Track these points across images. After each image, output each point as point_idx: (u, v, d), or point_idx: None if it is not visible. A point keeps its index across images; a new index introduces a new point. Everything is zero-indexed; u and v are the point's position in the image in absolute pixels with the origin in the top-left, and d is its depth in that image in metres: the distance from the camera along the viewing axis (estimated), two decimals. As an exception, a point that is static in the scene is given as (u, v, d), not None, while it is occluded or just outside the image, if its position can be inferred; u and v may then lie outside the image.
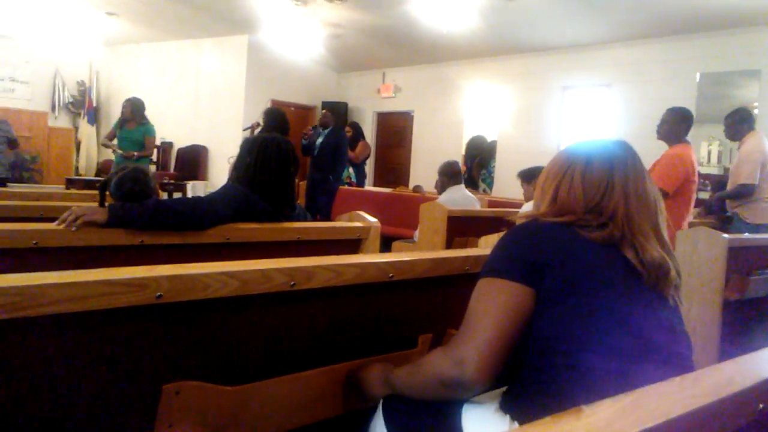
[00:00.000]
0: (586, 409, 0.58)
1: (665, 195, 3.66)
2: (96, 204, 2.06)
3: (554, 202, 1.22)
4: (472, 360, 1.04)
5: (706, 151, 6.16)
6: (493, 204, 6.10)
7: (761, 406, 0.73)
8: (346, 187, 7.33)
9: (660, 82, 6.71)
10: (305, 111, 10.24)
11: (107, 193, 2.21)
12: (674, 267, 1.15)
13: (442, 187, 4.72)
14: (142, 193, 2.25)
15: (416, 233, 4.40)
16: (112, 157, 6.26)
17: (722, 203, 4.72)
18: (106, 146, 6.13)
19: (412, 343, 1.50)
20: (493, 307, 1.08)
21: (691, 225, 3.76)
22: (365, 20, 7.70)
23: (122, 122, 5.96)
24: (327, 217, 5.94)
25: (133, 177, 2.26)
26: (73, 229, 1.76)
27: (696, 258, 2.56)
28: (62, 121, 10.21)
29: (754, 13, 5.70)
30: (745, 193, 4.32)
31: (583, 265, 1.10)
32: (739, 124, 4.46)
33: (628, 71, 7.07)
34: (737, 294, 2.58)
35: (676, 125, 3.89)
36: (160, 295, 1.08)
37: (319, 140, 6.22)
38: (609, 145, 1.26)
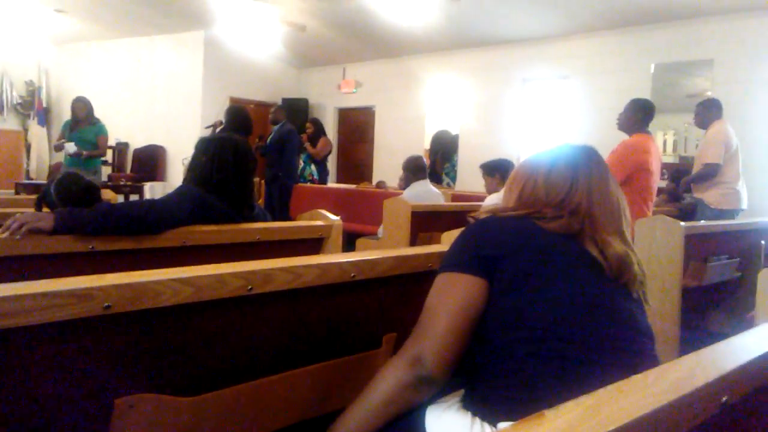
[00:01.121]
0: (548, 414, 0.57)
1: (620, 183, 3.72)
2: (42, 210, 1.97)
3: (518, 200, 1.27)
4: (429, 354, 1.04)
5: (662, 140, 6.30)
6: (456, 198, 6.13)
7: (725, 398, 0.73)
8: (308, 184, 7.26)
9: (616, 73, 6.84)
10: (265, 108, 10.10)
11: (45, 204, 2.11)
12: (637, 263, 1.16)
13: (406, 182, 4.71)
14: (85, 193, 2.14)
15: (380, 229, 4.39)
16: (63, 159, 6.07)
17: (690, 188, 4.83)
18: (61, 148, 5.89)
19: (376, 343, 1.48)
20: (447, 301, 1.09)
21: (653, 214, 3.84)
22: (324, 16, 7.64)
23: (74, 123, 5.78)
24: (283, 215, 5.86)
25: (68, 180, 2.14)
26: (18, 237, 1.68)
27: (654, 246, 2.61)
28: (10, 123, 9.86)
29: (705, 3, 5.84)
30: (710, 173, 4.47)
31: (538, 253, 1.11)
32: (708, 111, 4.66)
33: (585, 63, 7.18)
34: (696, 281, 2.64)
35: (632, 115, 3.96)
36: (108, 306, 1.03)
37: (270, 137, 6.19)
38: (574, 149, 1.30)
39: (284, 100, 10.15)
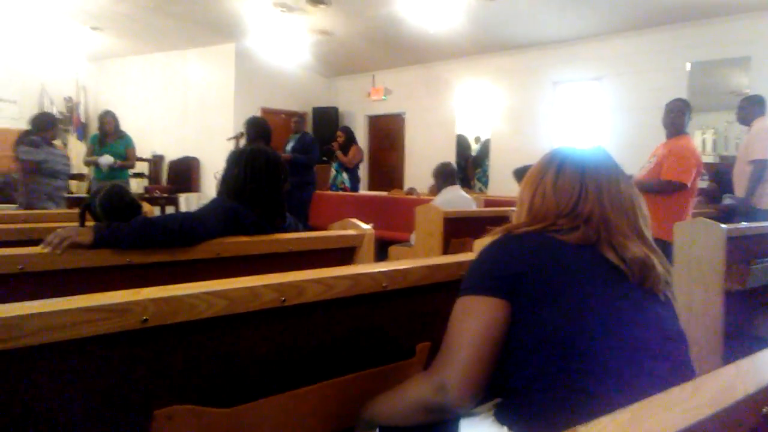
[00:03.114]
0: (581, 429, 0.56)
1: (683, 187, 3.64)
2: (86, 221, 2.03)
3: (530, 211, 1.24)
4: (453, 383, 1.04)
5: (700, 139, 6.16)
6: (489, 203, 6.09)
7: (765, 409, 0.71)
8: (340, 193, 7.31)
9: (650, 73, 6.71)
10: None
11: (88, 214, 2.19)
12: (660, 262, 1.14)
13: (437, 189, 4.69)
14: (130, 206, 2.23)
15: (413, 236, 4.38)
16: (93, 173, 6.12)
17: (750, 198, 4.38)
18: (94, 163, 5.93)
19: (409, 353, 1.48)
20: (470, 327, 1.08)
21: (694, 215, 3.74)
22: (352, 24, 7.69)
23: (102, 137, 5.88)
24: (304, 223, 5.88)
25: (117, 192, 2.23)
26: (59, 252, 1.73)
27: (695, 249, 2.54)
28: (52, 138, 10.16)
29: (742, 0, 5.70)
30: (760, 169, 4.29)
31: (560, 268, 1.09)
32: (752, 107, 4.51)
33: (618, 64, 7.06)
34: (738, 284, 2.56)
35: (681, 117, 3.87)
36: (145, 319, 1.05)
37: (290, 145, 6.26)
38: (582, 151, 1.27)
39: (314, 108, 10.23)
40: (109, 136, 5.87)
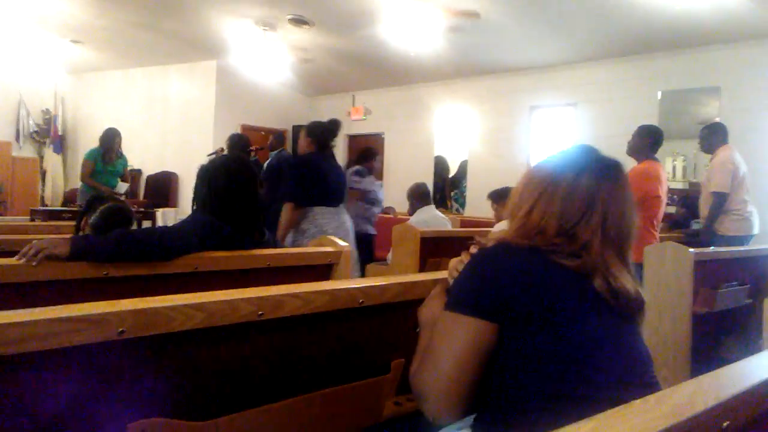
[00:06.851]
0: (549, 437, 0.58)
1: None
2: (59, 236, 2.02)
3: (528, 219, 1.15)
4: (432, 398, 1.06)
5: (671, 166, 6.29)
6: (465, 224, 6.15)
7: (726, 423, 0.74)
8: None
9: (623, 100, 6.87)
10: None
11: (84, 222, 2.23)
12: (637, 287, 1.14)
13: (412, 209, 4.77)
14: (125, 219, 2.30)
15: (390, 255, 4.40)
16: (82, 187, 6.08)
17: (711, 226, 4.52)
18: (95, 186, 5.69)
19: (384, 369, 1.49)
20: (455, 345, 1.06)
21: (661, 240, 3.83)
22: (333, 44, 7.75)
23: (107, 156, 5.79)
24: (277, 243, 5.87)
25: (124, 212, 2.31)
26: (34, 263, 1.71)
27: (664, 273, 2.60)
28: (27, 150, 10.02)
29: (712, 32, 5.88)
30: (720, 202, 4.38)
31: (553, 295, 1.06)
32: (714, 136, 4.58)
33: (592, 90, 7.22)
34: (706, 307, 2.62)
35: (640, 141, 4.00)
36: (122, 331, 1.05)
37: (266, 162, 6.30)
38: (603, 163, 1.21)
39: (295, 127, 10.25)
40: (113, 155, 5.82)
